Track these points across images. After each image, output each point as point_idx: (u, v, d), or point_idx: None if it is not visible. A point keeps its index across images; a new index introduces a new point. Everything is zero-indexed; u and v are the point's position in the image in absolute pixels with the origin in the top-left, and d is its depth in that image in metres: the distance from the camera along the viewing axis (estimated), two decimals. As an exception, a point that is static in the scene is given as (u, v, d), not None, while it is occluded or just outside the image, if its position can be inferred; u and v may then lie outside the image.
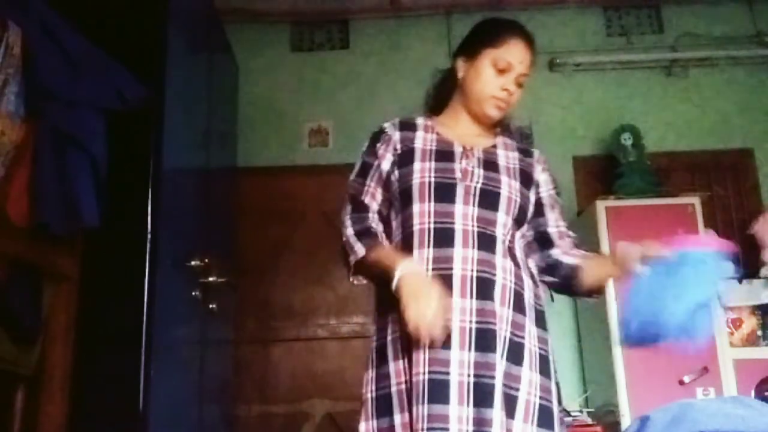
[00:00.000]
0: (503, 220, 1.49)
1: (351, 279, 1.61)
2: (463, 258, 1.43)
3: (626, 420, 2.89)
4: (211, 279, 2.37)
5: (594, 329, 3.32)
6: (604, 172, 3.70)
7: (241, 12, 3.90)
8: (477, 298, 1.41)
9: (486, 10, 3.98)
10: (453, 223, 1.46)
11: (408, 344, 1.42)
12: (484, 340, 1.38)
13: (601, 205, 3.27)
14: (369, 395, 1.46)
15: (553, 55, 3.96)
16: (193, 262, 2.26)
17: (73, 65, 1.69)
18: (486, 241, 1.46)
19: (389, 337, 1.47)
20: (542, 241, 1.60)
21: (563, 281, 1.59)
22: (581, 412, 3.03)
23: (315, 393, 3.55)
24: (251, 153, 3.73)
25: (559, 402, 1.51)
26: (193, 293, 2.30)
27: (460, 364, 1.37)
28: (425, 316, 1.31)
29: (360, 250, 1.49)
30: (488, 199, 1.49)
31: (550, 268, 1.59)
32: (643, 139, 3.59)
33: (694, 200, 3.27)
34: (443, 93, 1.69)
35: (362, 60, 4.02)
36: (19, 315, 1.66)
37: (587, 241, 3.32)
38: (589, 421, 2.98)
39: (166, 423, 1.96)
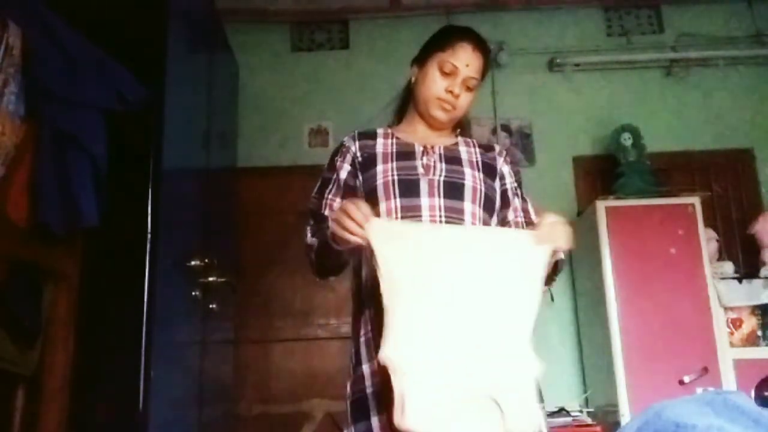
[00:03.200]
0: (471, 209, 1.51)
1: (318, 278, 1.62)
2: None
3: (626, 420, 2.89)
4: (211, 279, 2.37)
5: (594, 329, 3.33)
6: (604, 172, 3.70)
7: (241, 12, 3.90)
8: None
9: (486, 10, 3.98)
10: (420, 216, 1.48)
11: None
12: None
13: (601, 205, 3.26)
14: (347, 400, 1.47)
15: (553, 55, 3.96)
16: (193, 262, 2.26)
17: (73, 65, 1.69)
18: None
19: (362, 339, 1.48)
20: None
21: None
22: (581, 412, 3.03)
23: (315, 393, 3.54)
24: (251, 153, 3.73)
25: (541, 399, 1.50)
26: (193, 293, 2.30)
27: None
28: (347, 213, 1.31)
29: (314, 242, 1.54)
30: (453, 189, 1.51)
31: None
32: (643, 139, 3.58)
33: (694, 200, 3.26)
34: (402, 103, 1.75)
35: (362, 60, 4.02)
36: (19, 315, 1.66)
37: (587, 240, 3.34)
38: (589, 421, 2.98)
39: (166, 423, 1.96)
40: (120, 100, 1.82)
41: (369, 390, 1.42)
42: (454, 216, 1.48)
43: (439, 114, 1.61)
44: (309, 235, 1.59)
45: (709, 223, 3.40)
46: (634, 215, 3.25)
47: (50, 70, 1.63)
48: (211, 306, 2.44)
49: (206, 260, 2.32)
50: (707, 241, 3.24)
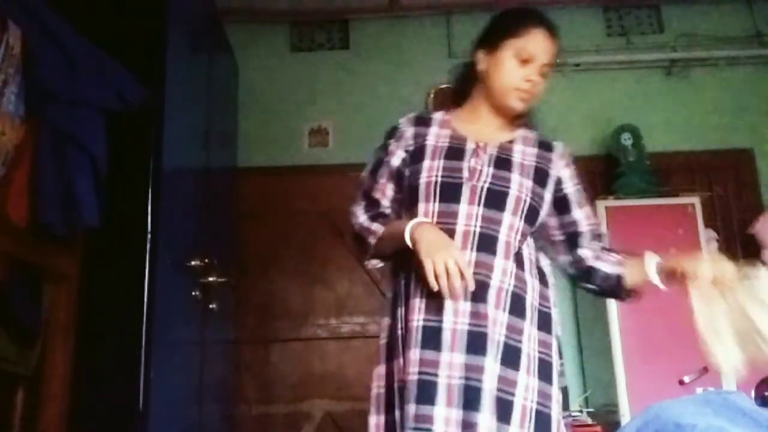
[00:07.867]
0: (509, 220, 1.46)
1: (367, 263, 1.59)
2: None
3: (626, 420, 2.89)
4: (211, 279, 2.37)
5: (594, 329, 3.32)
6: (604, 172, 3.70)
7: (241, 12, 3.90)
8: (471, 300, 1.40)
9: (486, 10, 3.97)
10: (455, 224, 1.45)
11: (407, 341, 1.43)
12: (476, 343, 1.37)
13: (601, 205, 3.26)
14: (376, 391, 1.49)
15: (553, 55, 3.95)
16: (193, 262, 2.26)
17: (73, 65, 1.69)
18: (486, 243, 1.44)
19: (381, 342, 1.51)
20: (571, 242, 1.58)
21: (603, 290, 1.58)
22: (581, 412, 3.03)
23: (315, 393, 3.54)
24: (251, 153, 3.73)
25: (567, 407, 1.51)
26: (193, 293, 2.30)
27: (449, 366, 1.37)
28: (443, 263, 1.32)
29: (378, 228, 1.52)
30: (495, 199, 1.47)
31: (585, 274, 1.57)
32: (643, 139, 3.58)
33: (694, 200, 3.26)
34: (464, 87, 1.66)
35: (362, 60, 4.01)
36: (19, 315, 1.67)
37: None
38: (589, 421, 2.98)
39: (166, 423, 1.96)
40: (120, 100, 1.82)
41: (374, 392, 1.48)
42: (490, 226, 1.45)
43: (517, 104, 1.55)
44: (362, 214, 1.57)
45: (709, 223, 3.39)
46: (634, 215, 3.24)
47: (50, 70, 1.63)
48: (211, 306, 2.44)
49: (206, 260, 2.32)
50: (707, 241, 3.24)
